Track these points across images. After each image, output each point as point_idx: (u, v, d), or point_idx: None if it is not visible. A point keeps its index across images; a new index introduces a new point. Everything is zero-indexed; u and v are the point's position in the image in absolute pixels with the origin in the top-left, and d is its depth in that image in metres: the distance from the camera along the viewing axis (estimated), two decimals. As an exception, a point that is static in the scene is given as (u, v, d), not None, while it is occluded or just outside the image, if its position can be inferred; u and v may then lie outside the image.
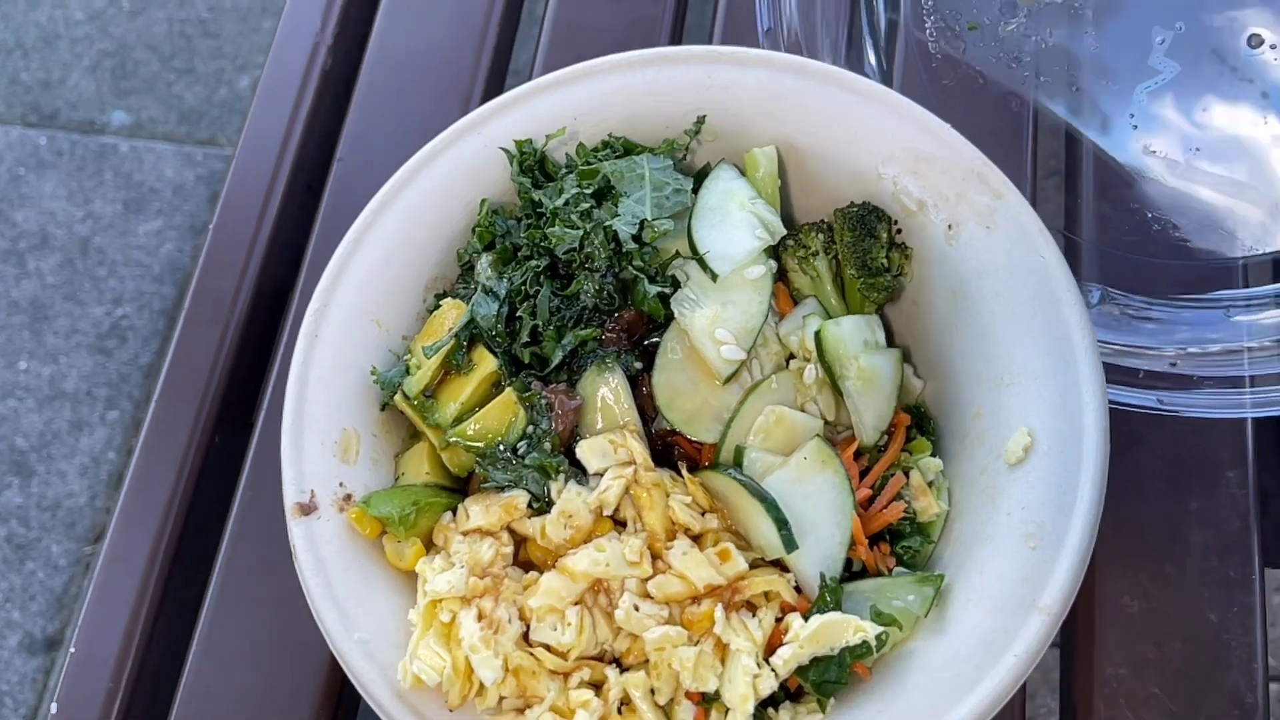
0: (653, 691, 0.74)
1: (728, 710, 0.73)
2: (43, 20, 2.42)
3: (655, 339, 0.83)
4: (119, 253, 2.20)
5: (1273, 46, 0.97)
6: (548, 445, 0.79)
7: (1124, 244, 0.93)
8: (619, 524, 0.78)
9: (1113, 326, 0.89)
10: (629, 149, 0.87)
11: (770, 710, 0.74)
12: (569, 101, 0.87)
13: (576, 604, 0.74)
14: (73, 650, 0.92)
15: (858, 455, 0.82)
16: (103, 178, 2.26)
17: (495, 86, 1.13)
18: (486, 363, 0.82)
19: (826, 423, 0.82)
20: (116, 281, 2.18)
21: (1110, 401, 0.82)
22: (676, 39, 1.12)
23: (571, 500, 0.76)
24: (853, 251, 0.83)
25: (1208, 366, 0.85)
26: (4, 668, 1.90)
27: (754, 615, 0.75)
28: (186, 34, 2.39)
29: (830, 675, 0.73)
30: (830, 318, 0.83)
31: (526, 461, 0.79)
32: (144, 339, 2.14)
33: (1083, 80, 0.99)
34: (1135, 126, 0.97)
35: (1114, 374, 0.84)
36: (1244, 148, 0.96)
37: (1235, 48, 0.98)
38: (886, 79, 0.98)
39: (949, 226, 0.81)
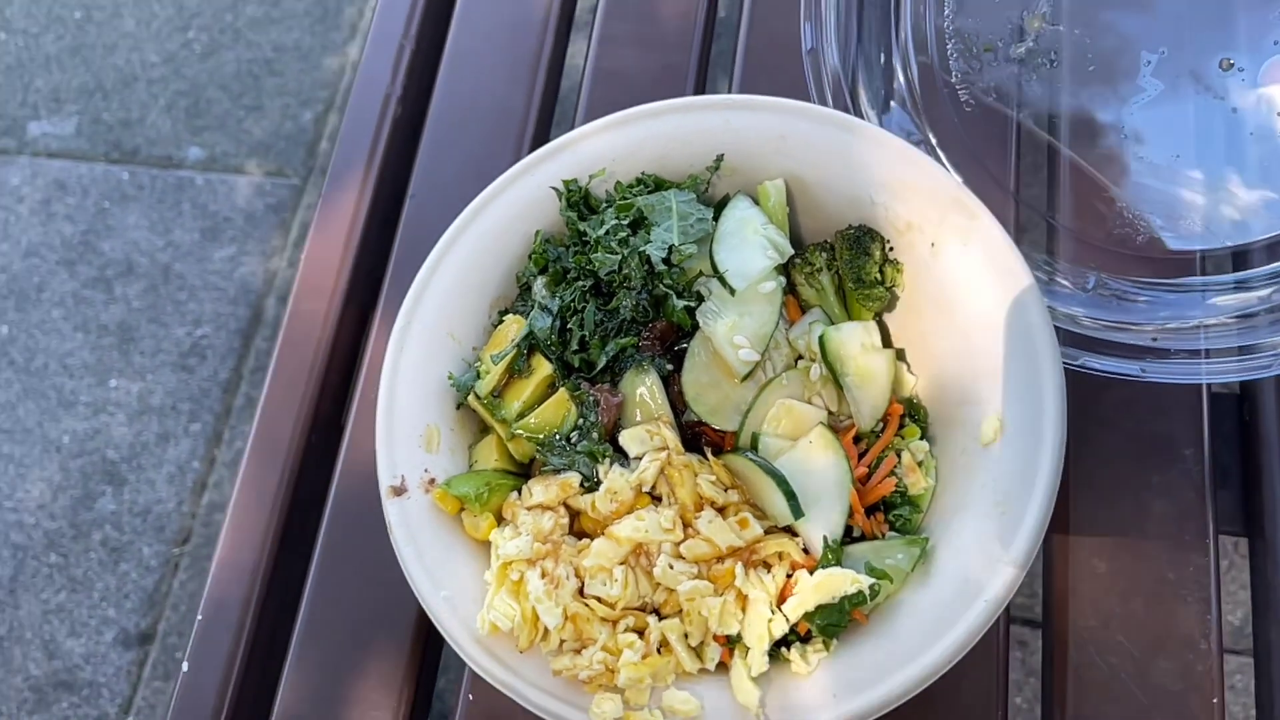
0: (686, 635, 0.78)
1: (748, 649, 0.77)
2: (120, 63, 2.45)
3: (684, 345, 0.86)
4: (197, 278, 2.24)
5: (1241, 69, 1.01)
6: (595, 435, 0.83)
7: (1113, 238, 0.98)
8: (655, 498, 0.81)
9: (1105, 306, 0.94)
10: (659, 185, 0.90)
11: (784, 649, 0.78)
12: (607, 146, 0.91)
13: (622, 564, 0.78)
14: (200, 618, 0.99)
15: (857, 440, 0.85)
16: (181, 208, 2.30)
17: (544, 126, 1.16)
18: (543, 367, 0.86)
19: (830, 413, 0.85)
20: (196, 304, 2.21)
21: (1099, 370, 0.88)
22: (701, 81, 1.16)
23: (616, 480, 0.80)
24: (851, 267, 0.86)
25: (1180, 341, 0.90)
26: (101, 660, 1.93)
27: (769, 572, 0.79)
28: (254, 73, 2.42)
29: (833, 620, 0.77)
30: (833, 324, 0.86)
31: (578, 449, 0.83)
32: (221, 356, 2.17)
33: (1081, 96, 1.03)
34: (1125, 137, 1.01)
35: (1104, 346, 0.90)
36: (1217, 154, 1.00)
37: (1210, 70, 1.01)
38: (914, 101, 1.03)
39: (932, 244, 0.84)
